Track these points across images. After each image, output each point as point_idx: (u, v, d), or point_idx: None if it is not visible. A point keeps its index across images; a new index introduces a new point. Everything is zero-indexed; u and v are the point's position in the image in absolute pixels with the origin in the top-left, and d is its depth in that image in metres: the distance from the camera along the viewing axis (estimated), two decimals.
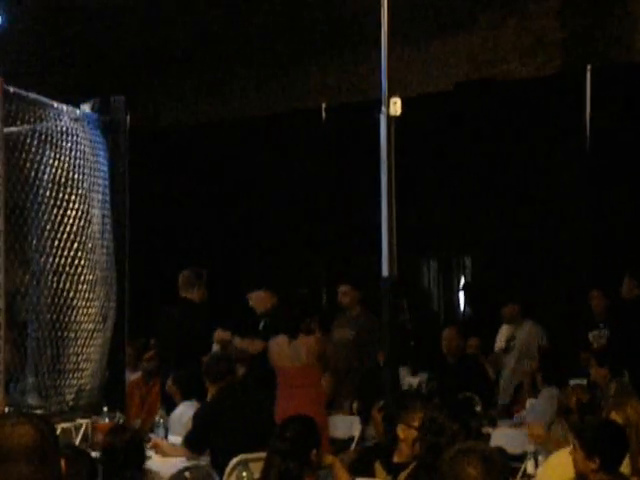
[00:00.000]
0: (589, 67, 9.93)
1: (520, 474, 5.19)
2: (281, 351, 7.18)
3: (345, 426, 7.55)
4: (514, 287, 10.07)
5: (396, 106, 6.54)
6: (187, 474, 4.45)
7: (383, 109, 6.54)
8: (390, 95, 6.58)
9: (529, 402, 7.06)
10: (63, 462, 2.41)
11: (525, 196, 10.21)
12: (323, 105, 11.40)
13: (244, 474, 5.04)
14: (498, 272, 10.40)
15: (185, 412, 6.79)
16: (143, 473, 4.65)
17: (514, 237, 10.28)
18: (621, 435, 4.43)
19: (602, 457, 4.25)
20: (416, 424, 4.86)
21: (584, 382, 6.72)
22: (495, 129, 10.31)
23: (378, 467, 5.09)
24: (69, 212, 6.13)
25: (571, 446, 4.39)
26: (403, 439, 4.98)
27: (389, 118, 6.53)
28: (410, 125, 6.78)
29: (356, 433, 7.49)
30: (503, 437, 6.07)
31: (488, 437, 5.76)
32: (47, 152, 6.00)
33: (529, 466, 5.29)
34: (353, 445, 7.35)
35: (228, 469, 5.67)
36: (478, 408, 6.99)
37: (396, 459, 5.05)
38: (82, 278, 6.17)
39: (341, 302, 9.02)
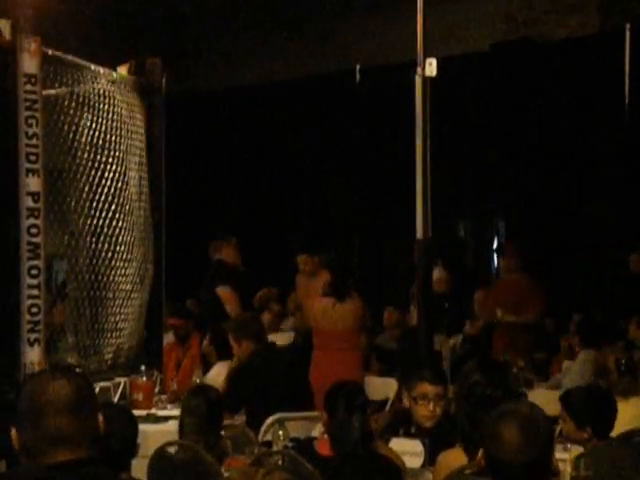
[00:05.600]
0: (628, 27, 9.79)
1: (556, 435, 5.19)
2: (326, 314, 7.21)
3: (382, 388, 7.58)
4: (548, 249, 10.02)
5: (432, 67, 6.48)
6: (171, 449, 4.46)
7: (418, 70, 6.49)
8: (426, 56, 6.53)
9: (565, 364, 7.06)
10: (101, 416, 2.44)
11: (561, 158, 10.13)
12: (357, 67, 11.33)
13: (280, 433, 5.08)
14: (532, 235, 10.34)
15: (221, 372, 6.85)
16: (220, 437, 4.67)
17: (549, 199, 10.21)
18: (609, 401, 4.41)
19: (593, 426, 4.25)
20: (414, 394, 4.84)
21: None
22: (532, 90, 10.21)
23: (402, 434, 5.10)
24: (107, 174, 6.17)
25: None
26: (408, 408, 4.97)
27: (425, 79, 6.48)
28: (445, 86, 6.73)
29: (391, 395, 7.52)
30: (539, 399, 6.07)
31: (526, 397, 5.77)
32: (85, 114, 6.03)
33: None
34: (387, 407, 7.38)
35: (264, 428, 5.74)
36: (514, 369, 6.99)
37: (412, 429, 5.05)
38: (120, 239, 6.22)
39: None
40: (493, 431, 2.83)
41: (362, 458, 4.18)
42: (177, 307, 8.04)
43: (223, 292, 7.81)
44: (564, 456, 4.40)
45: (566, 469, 4.24)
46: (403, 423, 5.09)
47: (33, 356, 5.37)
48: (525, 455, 2.77)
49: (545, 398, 6.16)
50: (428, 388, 4.78)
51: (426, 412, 4.77)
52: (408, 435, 4.89)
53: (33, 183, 5.42)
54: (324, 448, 4.28)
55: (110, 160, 6.20)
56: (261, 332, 6.52)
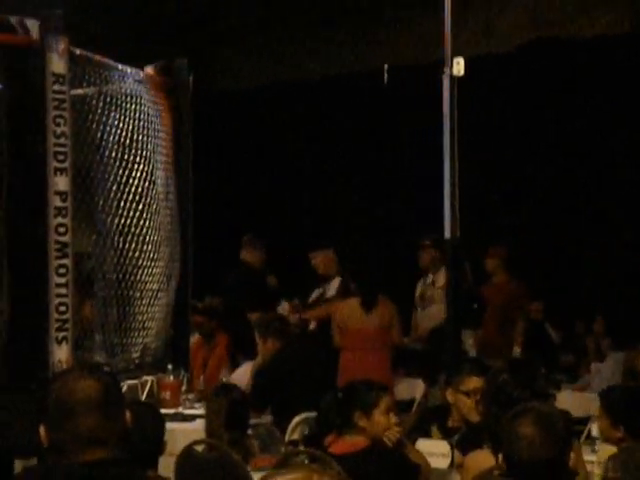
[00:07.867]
0: None
1: (584, 437, 5.16)
2: (355, 313, 7.19)
3: (410, 388, 7.56)
4: (575, 250, 9.95)
5: (459, 66, 6.47)
6: (198, 448, 4.46)
7: (446, 70, 6.48)
8: (453, 55, 6.52)
9: (594, 366, 7.00)
10: (128, 414, 2.45)
11: (589, 159, 10.05)
12: (385, 66, 11.30)
13: (307, 432, 5.08)
14: (558, 235, 10.27)
15: (247, 371, 6.87)
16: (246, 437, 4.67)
17: (576, 198, 10.14)
18: None
19: (626, 425, 4.22)
20: (465, 389, 4.83)
21: None
22: (561, 90, 10.14)
23: (435, 430, 5.08)
24: (134, 173, 6.20)
25: None
26: (452, 403, 4.95)
27: (452, 79, 6.46)
28: (473, 86, 6.70)
29: (418, 395, 7.50)
30: (567, 400, 6.03)
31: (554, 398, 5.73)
32: (112, 114, 6.05)
33: (594, 429, 5.25)
34: (414, 407, 7.36)
35: (291, 426, 5.74)
36: (542, 370, 6.95)
37: (450, 423, 5.04)
38: (147, 238, 6.25)
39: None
40: (510, 429, 2.83)
41: (376, 454, 4.17)
42: (203, 305, 8.06)
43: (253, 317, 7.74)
44: (592, 458, 4.37)
45: (594, 471, 4.21)
46: (436, 420, 5.08)
47: (61, 354, 5.40)
48: (541, 452, 2.76)
49: (573, 400, 6.13)
50: (478, 382, 4.77)
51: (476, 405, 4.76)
52: (444, 430, 4.89)
53: (61, 182, 5.45)
54: (335, 447, 4.28)
55: (137, 159, 6.22)
56: (286, 330, 6.52)
